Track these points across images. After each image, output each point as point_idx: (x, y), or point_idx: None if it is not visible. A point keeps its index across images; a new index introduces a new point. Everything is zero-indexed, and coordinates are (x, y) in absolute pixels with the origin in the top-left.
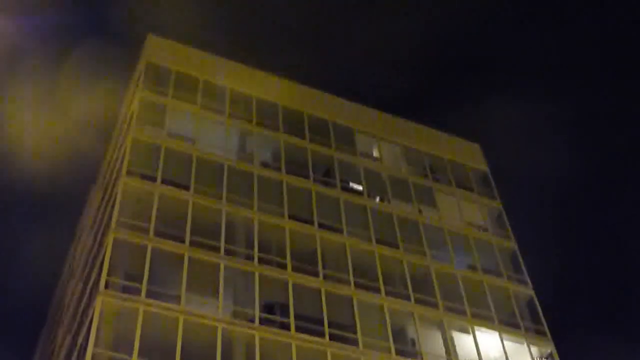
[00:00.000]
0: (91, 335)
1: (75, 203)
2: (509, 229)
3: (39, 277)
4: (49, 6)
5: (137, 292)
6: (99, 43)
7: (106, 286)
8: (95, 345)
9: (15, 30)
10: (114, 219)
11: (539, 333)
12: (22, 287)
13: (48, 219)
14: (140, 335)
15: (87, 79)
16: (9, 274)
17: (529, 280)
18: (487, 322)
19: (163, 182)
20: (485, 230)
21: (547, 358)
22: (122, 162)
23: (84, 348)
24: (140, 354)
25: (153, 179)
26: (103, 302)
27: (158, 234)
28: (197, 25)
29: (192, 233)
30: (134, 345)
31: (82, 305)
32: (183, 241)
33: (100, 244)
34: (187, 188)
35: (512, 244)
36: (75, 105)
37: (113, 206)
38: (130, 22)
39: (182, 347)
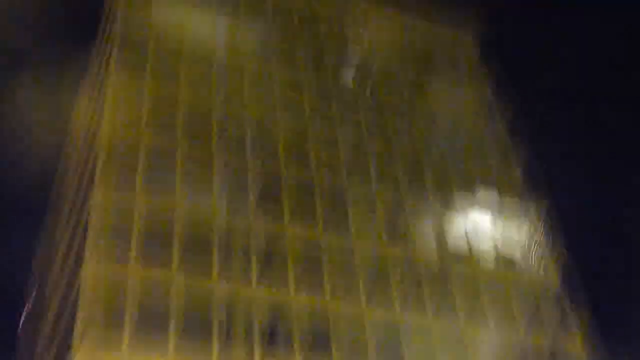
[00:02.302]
0: (90, 232)
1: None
2: (501, 118)
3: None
4: None
5: (133, 188)
6: None
7: (100, 182)
8: (94, 240)
9: None
10: (105, 114)
11: (530, 209)
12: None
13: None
14: (139, 224)
15: None
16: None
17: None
18: (480, 202)
19: (153, 77)
20: (476, 115)
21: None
22: (109, 58)
23: (82, 244)
24: (138, 249)
25: (142, 77)
26: (97, 196)
27: (149, 127)
28: None
29: (184, 130)
30: (131, 241)
31: (80, 199)
32: (175, 137)
33: (94, 135)
34: (176, 82)
35: (504, 135)
36: None
37: (103, 105)
38: None
39: (179, 240)
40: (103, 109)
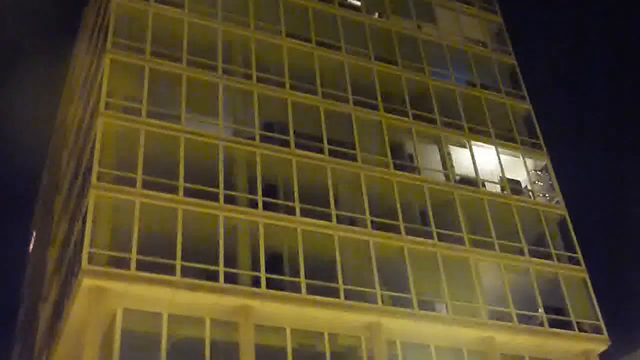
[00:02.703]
0: (95, 156)
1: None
2: (510, 44)
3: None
4: None
5: (138, 113)
6: None
7: (106, 107)
8: (100, 165)
9: None
10: (109, 41)
11: (535, 146)
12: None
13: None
14: (143, 156)
15: None
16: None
17: (526, 96)
18: (484, 136)
19: (156, 0)
20: (485, 46)
21: (541, 170)
22: None
23: (89, 169)
24: (143, 173)
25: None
26: (104, 124)
27: (154, 54)
28: None
29: (189, 53)
30: (137, 165)
31: (84, 128)
32: (180, 61)
33: (97, 67)
34: (181, 6)
35: (512, 60)
36: None
37: (107, 27)
38: None
39: (185, 166)
40: (106, 35)
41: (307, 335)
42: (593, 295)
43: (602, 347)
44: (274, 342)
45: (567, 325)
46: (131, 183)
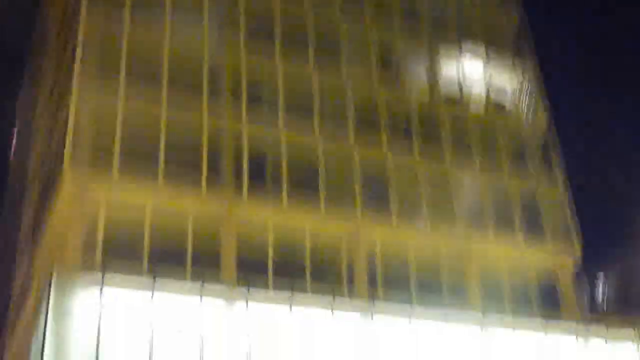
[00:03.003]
0: (77, 59)
1: None
2: None
3: None
4: None
5: (121, 19)
6: None
7: (88, 13)
8: (82, 69)
9: None
10: None
11: (523, 58)
12: None
13: None
14: (126, 60)
15: None
16: None
17: (517, 8)
18: (473, 47)
19: None
20: None
21: (528, 86)
22: None
23: (71, 71)
24: (126, 78)
25: None
26: (86, 27)
27: None
28: None
29: None
30: (120, 70)
31: (66, 29)
32: None
33: None
34: None
35: None
36: None
37: None
38: None
39: (168, 73)
40: None
41: (289, 244)
42: (570, 213)
43: (576, 263)
44: (256, 251)
45: (543, 241)
46: (114, 88)
